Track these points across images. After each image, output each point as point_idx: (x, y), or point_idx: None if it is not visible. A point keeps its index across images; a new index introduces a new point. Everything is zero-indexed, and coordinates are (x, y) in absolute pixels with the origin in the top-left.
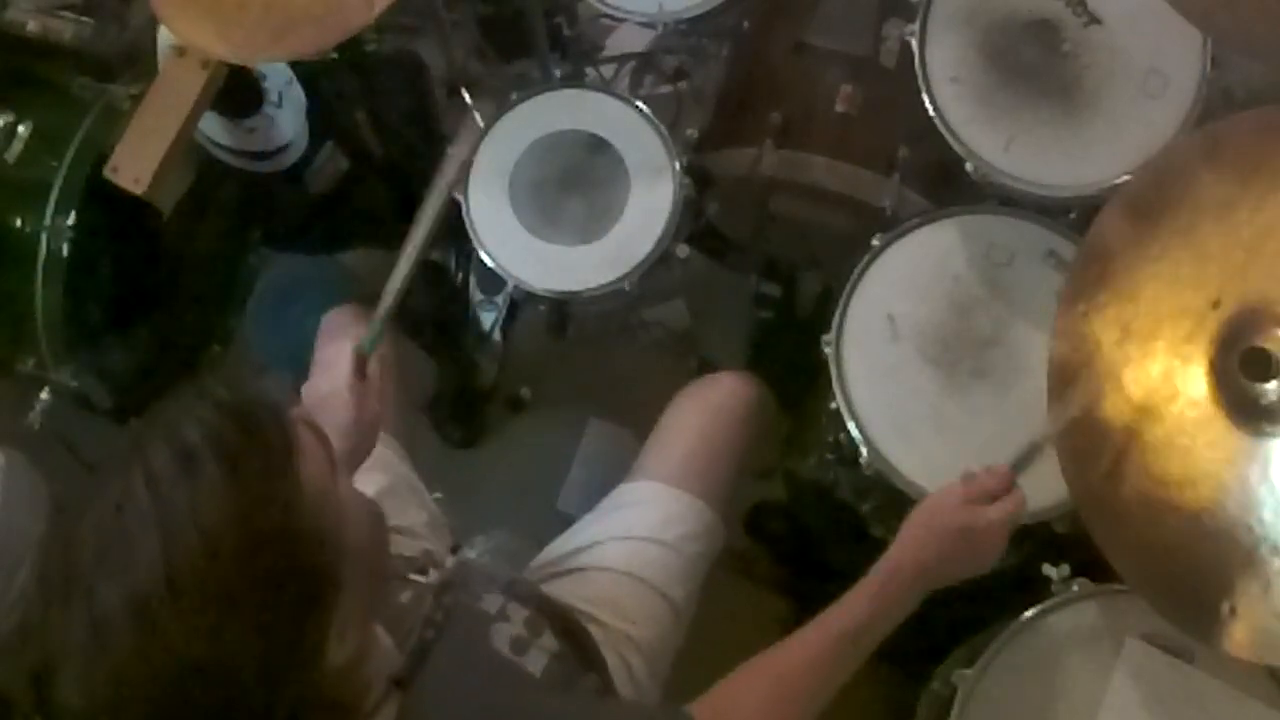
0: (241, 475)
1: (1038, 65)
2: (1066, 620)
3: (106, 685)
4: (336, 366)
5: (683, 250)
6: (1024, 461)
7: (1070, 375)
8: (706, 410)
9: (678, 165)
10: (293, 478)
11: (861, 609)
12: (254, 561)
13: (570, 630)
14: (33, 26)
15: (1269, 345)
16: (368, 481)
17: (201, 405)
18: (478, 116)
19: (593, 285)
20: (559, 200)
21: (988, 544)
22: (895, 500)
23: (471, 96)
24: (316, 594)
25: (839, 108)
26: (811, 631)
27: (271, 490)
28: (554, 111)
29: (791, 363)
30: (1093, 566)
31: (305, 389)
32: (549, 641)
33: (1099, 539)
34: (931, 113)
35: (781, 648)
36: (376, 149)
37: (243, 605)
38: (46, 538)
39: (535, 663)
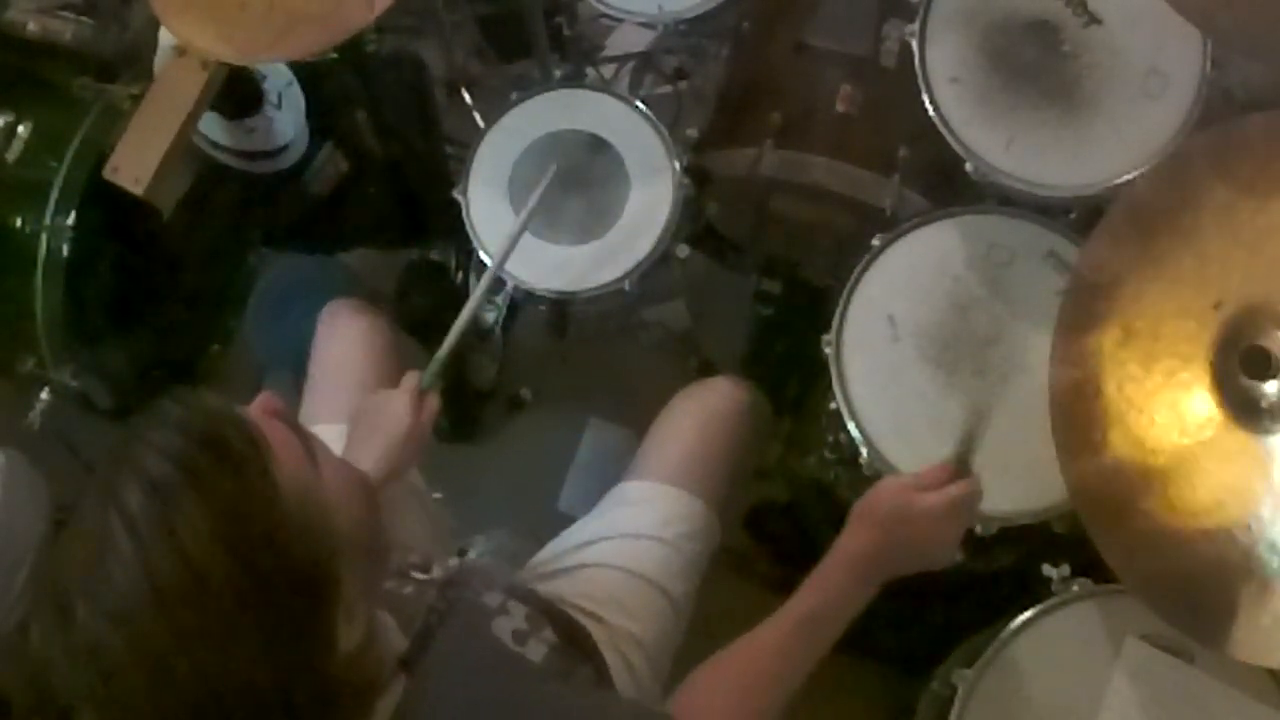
0: (217, 499)
1: (1038, 65)
2: (1066, 620)
3: None
4: (396, 392)
5: (683, 250)
6: (965, 448)
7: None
8: (702, 412)
9: (678, 165)
10: (269, 485)
11: (816, 596)
12: (246, 579)
13: (568, 629)
14: (33, 27)
15: (1269, 344)
16: None
17: (163, 432)
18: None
19: (593, 285)
20: (559, 200)
21: (929, 530)
22: None
23: (471, 96)
24: (316, 591)
25: (839, 108)
26: (770, 623)
27: (250, 504)
28: (554, 111)
29: (791, 363)
30: (1093, 566)
31: (363, 399)
32: (548, 635)
33: (1098, 539)
34: (931, 113)
35: (743, 641)
36: (376, 149)
37: (244, 623)
38: (33, 588)
39: (535, 653)
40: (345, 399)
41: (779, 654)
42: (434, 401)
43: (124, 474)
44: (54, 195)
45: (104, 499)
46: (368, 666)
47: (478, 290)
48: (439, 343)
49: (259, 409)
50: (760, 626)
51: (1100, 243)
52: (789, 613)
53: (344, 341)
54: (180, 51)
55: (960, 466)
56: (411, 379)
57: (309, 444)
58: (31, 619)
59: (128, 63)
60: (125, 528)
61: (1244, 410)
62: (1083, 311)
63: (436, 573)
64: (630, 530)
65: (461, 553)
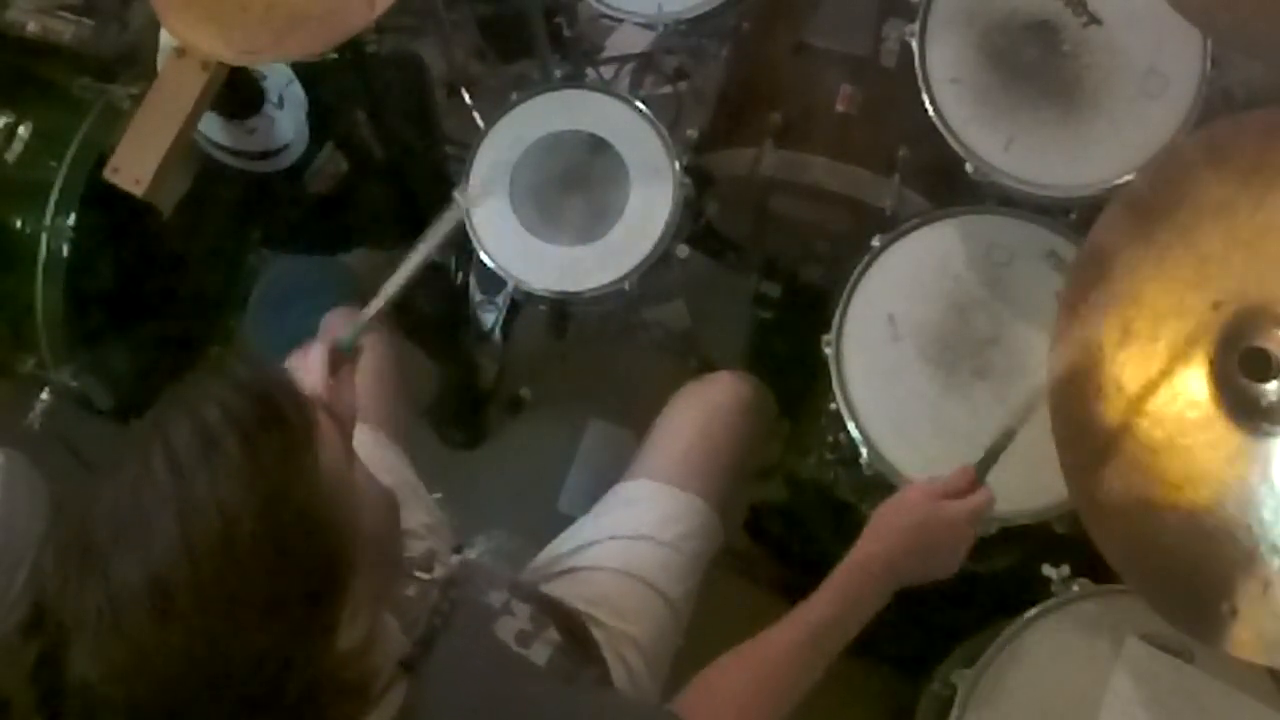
0: (261, 457)
1: (1038, 65)
2: (1066, 620)
3: (121, 659)
4: (310, 362)
5: (683, 250)
6: (990, 459)
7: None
8: (704, 409)
9: (678, 165)
10: (311, 461)
11: (832, 602)
12: (271, 544)
13: (572, 627)
14: (33, 27)
15: (1269, 345)
16: None
17: (223, 385)
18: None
19: (593, 285)
20: (559, 200)
21: (948, 539)
22: None
23: (471, 96)
24: (331, 577)
25: (839, 108)
26: (784, 626)
27: (290, 473)
28: (554, 112)
29: (791, 363)
30: (1093, 566)
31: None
32: (552, 635)
33: (1099, 539)
34: (931, 113)
35: (756, 642)
36: (376, 149)
37: (259, 586)
38: (65, 508)
39: (539, 655)
40: None
41: (793, 659)
42: (349, 371)
43: (177, 415)
44: (54, 195)
45: (152, 434)
46: (362, 670)
47: (419, 248)
48: (439, 345)
49: (316, 399)
50: (774, 629)
51: (1100, 240)
52: (805, 617)
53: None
54: (180, 52)
55: (981, 475)
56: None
57: (349, 444)
58: (52, 539)
59: (128, 63)
60: (167, 463)
61: (1244, 411)
62: (1082, 310)
63: (438, 572)
64: (629, 531)
65: (458, 549)
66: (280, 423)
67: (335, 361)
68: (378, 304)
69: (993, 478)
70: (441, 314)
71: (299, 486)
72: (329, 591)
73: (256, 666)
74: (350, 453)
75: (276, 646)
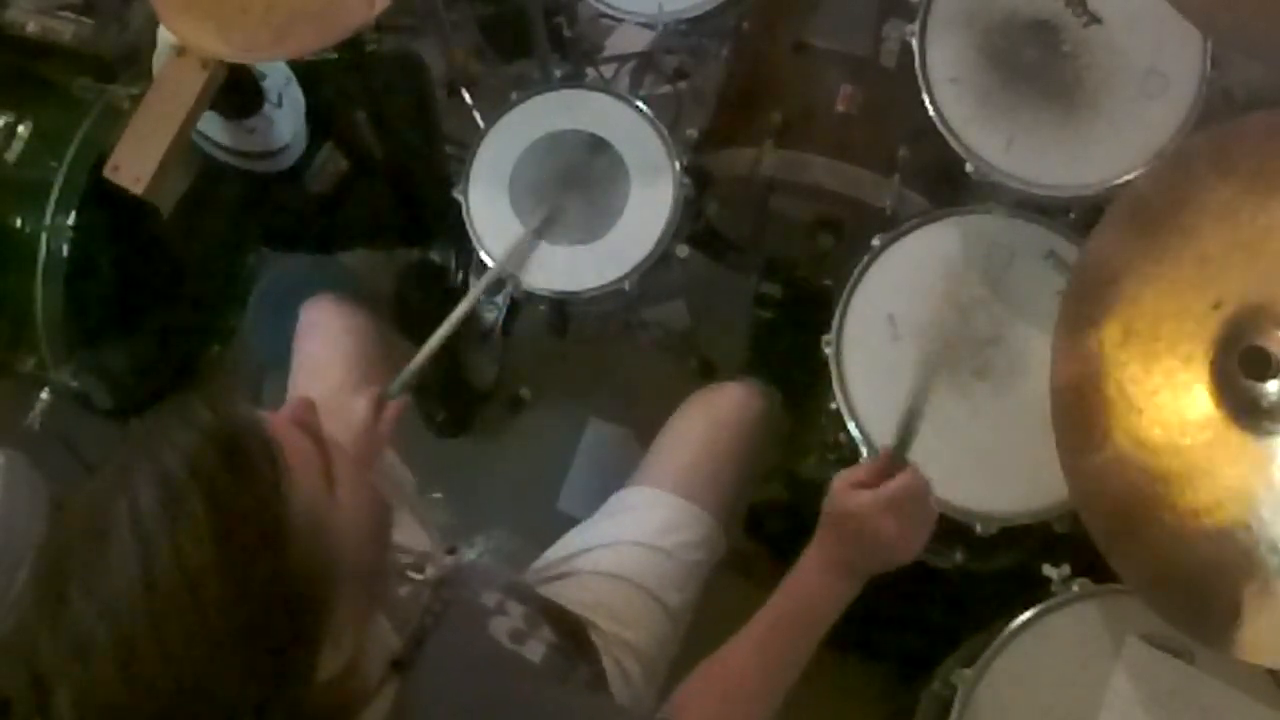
0: (225, 513)
1: (1038, 66)
2: (1066, 620)
3: (98, 710)
4: (355, 399)
5: (683, 250)
6: (903, 438)
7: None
8: (713, 419)
9: (678, 165)
10: (280, 508)
11: (787, 599)
12: (237, 598)
13: (568, 628)
14: (33, 26)
15: (1269, 345)
16: None
17: (187, 433)
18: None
19: (593, 285)
20: (560, 200)
21: (877, 526)
22: None
23: (471, 96)
24: (306, 620)
25: (839, 108)
26: (742, 633)
27: (256, 526)
28: (554, 111)
29: (791, 363)
30: (1093, 566)
31: (329, 399)
32: (547, 634)
33: (1098, 539)
34: (931, 113)
35: (725, 648)
36: (376, 149)
37: (228, 641)
38: (38, 555)
39: (534, 653)
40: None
41: (757, 658)
42: (397, 408)
43: (142, 466)
44: (54, 195)
45: (118, 486)
46: (346, 692)
47: (459, 307)
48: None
49: (289, 418)
50: (734, 638)
51: (1101, 239)
52: (762, 617)
53: (323, 340)
54: (180, 51)
55: (897, 458)
56: (369, 395)
57: (330, 462)
58: (30, 586)
59: (128, 63)
60: (131, 520)
61: (1244, 411)
62: (1083, 310)
63: (430, 573)
64: (629, 537)
65: (452, 550)
66: (244, 471)
67: (380, 406)
68: (423, 356)
69: (994, 478)
70: (439, 312)
71: (265, 537)
72: (305, 633)
73: (233, 714)
74: (330, 474)
75: (251, 695)
